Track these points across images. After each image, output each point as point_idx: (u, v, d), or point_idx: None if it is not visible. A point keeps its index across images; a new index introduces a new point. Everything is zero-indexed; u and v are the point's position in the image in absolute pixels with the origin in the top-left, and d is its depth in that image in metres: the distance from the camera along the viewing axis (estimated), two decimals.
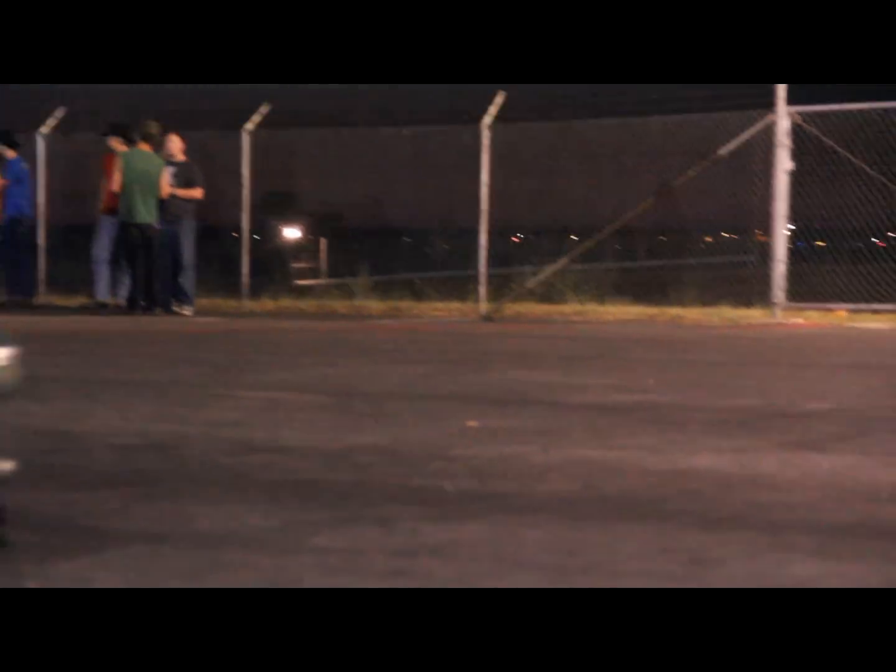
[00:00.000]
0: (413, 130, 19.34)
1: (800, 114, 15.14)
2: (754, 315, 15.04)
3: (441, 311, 17.16)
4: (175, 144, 16.75)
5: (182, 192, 16.54)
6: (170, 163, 16.55)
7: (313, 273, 24.44)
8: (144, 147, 16.42)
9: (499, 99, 16.81)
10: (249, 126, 18.68)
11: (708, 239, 19.03)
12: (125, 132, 16.79)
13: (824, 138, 15.29)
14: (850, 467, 4.90)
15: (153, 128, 16.41)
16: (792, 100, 15.13)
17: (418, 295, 18.62)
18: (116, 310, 16.95)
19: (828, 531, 3.80)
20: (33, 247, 19.67)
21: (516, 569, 3.35)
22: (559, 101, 16.54)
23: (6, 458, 3.44)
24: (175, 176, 16.54)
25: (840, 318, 14.81)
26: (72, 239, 19.83)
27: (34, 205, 19.22)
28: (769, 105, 15.30)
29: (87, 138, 19.52)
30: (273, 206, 26.24)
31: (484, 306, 16.56)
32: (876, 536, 3.74)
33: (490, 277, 17.07)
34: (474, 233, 17.06)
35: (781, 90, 14.94)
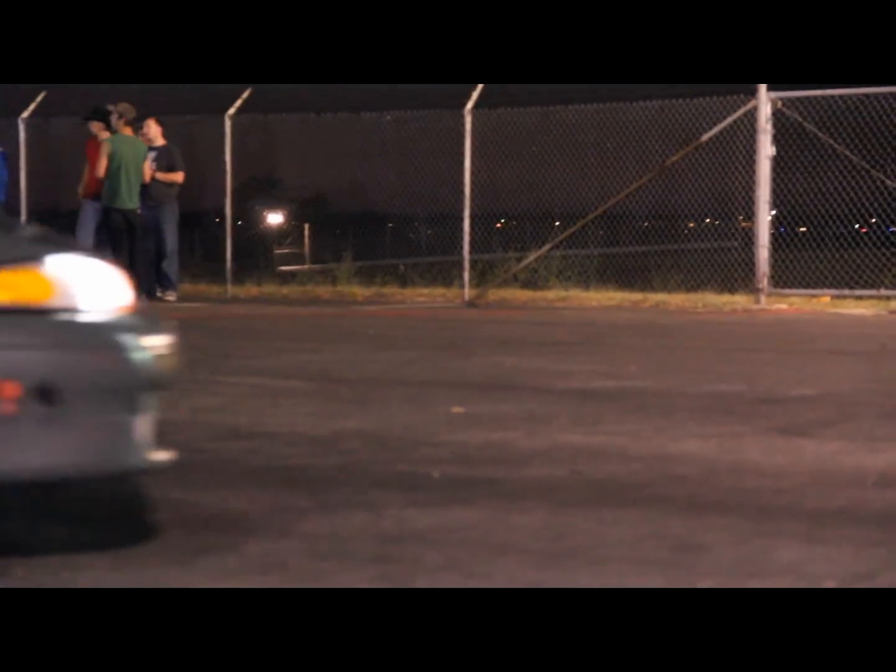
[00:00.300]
0: (396, 115, 19.30)
1: (781, 99, 15.15)
2: (738, 301, 15.06)
3: (425, 296, 17.15)
4: (153, 129, 16.70)
5: (163, 177, 16.49)
6: (150, 148, 16.51)
7: (297, 259, 24.39)
8: (128, 131, 16.38)
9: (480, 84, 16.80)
10: (231, 111, 18.63)
11: (691, 225, 19.03)
12: (107, 117, 16.72)
13: (806, 124, 15.31)
14: (835, 453, 4.92)
15: (132, 111, 16.36)
16: (773, 86, 15.13)
17: (402, 280, 18.59)
18: None
19: (813, 516, 3.82)
20: None
21: (503, 554, 3.36)
22: (542, 86, 16.52)
23: (166, 449, 3.37)
24: (156, 160, 16.48)
25: (823, 303, 14.83)
26: (54, 224, 19.73)
27: (12, 189, 19.07)
28: (751, 91, 15.32)
29: (68, 123, 19.43)
30: (256, 192, 26.19)
31: (468, 292, 16.55)
32: (861, 521, 3.76)
33: (474, 263, 17.05)
34: (458, 218, 17.05)
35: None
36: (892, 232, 15.98)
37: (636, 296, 15.90)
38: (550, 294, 16.58)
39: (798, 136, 15.56)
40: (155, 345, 3.24)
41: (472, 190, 16.95)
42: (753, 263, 15.27)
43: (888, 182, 15.41)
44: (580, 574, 3.15)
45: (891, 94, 15.09)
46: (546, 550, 3.40)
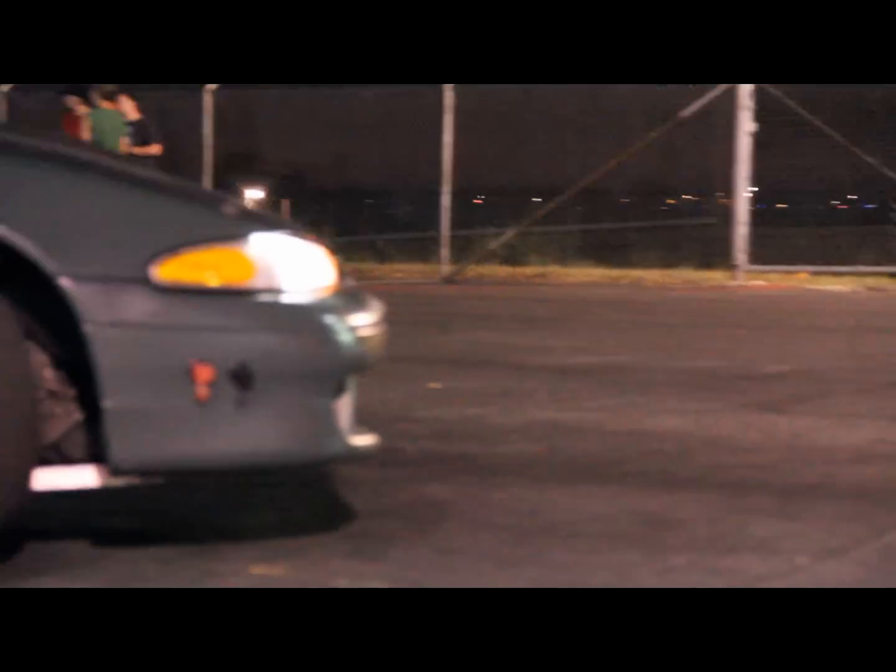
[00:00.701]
0: (376, 91, 19.23)
1: None
2: (716, 277, 15.08)
3: (403, 272, 17.14)
4: (126, 104, 16.65)
5: (140, 151, 16.45)
6: (126, 123, 16.46)
7: None
8: (107, 106, 16.32)
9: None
10: (211, 86, 18.55)
11: (670, 201, 19.04)
12: (84, 91, 16.65)
13: (786, 100, 15.32)
14: (810, 429, 4.94)
15: (111, 86, 16.30)
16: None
17: (381, 257, 18.56)
18: None
19: (787, 492, 3.84)
20: None
21: (478, 529, 3.36)
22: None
23: (368, 433, 3.25)
24: (132, 136, 16.44)
25: (801, 280, 14.87)
26: None
27: None
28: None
29: (48, 97, 19.33)
30: (235, 167, 26.07)
31: (446, 268, 16.54)
32: (834, 497, 3.78)
33: (453, 239, 17.04)
34: (437, 194, 17.04)
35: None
36: (870, 209, 16.02)
37: (614, 272, 15.91)
38: (529, 270, 16.58)
39: (778, 112, 15.57)
40: (360, 326, 3.10)
41: (453, 166, 16.92)
42: (731, 240, 15.30)
43: (866, 159, 15.43)
44: (555, 550, 3.16)
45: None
46: (521, 526, 3.40)
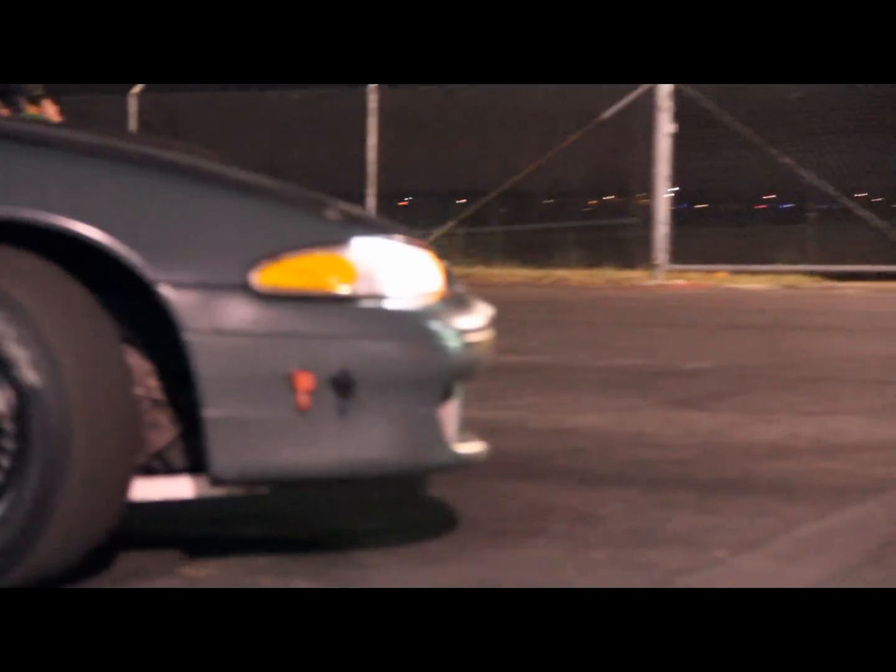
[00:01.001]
0: (302, 94, 19.20)
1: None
2: (637, 276, 15.23)
3: None
4: (49, 109, 16.52)
5: None
6: None
7: None
8: (32, 110, 16.18)
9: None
10: (135, 89, 18.44)
11: (592, 202, 19.17)
12: (8, 96, 16.49)
13: (704, 101, 15.50)
14: (728, 425, 5.04)
15: (38, 89, 16.17)
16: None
17: None
18: None
19: (706, 487, 3.92)
20: None
21: (401, 527, 3.41)
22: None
23: (477, 440, 3.19)
24: None
25: (720, 279, 15.05)
26: None
27: None
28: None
29: None
30: None
31: None
32: (752, 491, 3.87)
33: None
34: (362, 196, 17.06)
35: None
36: (786, 209, 16.25)
37: (538, 272, 16.00)
38: (454, 271, 16.62)
39: (697, 113, 15.74)
40: (466, 331, 3.04)
41: (378, 168, 16.94)
42: (652, 239, 15.45)
43: (782, 160, 15.65)
44: (478, 546, 3.22)
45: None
46: (444, 524, 3.46)
